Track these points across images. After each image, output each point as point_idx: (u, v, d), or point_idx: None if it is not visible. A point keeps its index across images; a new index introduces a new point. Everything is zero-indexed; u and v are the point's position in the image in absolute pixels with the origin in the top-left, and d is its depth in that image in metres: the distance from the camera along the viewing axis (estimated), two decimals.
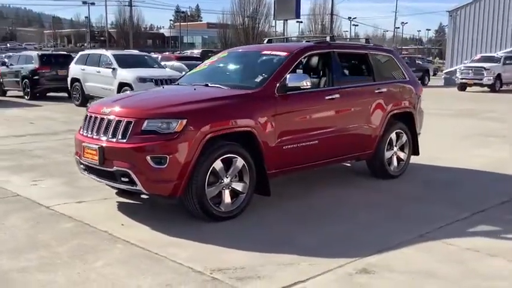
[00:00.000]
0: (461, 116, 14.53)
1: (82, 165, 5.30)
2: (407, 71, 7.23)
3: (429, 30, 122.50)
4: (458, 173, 7.31)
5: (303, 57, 6.01)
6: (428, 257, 4.22)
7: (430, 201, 5.88)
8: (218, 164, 4.88)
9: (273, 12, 42.01)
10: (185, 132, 4.68)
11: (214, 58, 6.85)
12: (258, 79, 5.56)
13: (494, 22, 31.24)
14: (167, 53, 37.59)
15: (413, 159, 7.38)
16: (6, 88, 20.01)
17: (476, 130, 11.58)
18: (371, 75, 6.64)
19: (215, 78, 6.01)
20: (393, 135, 6.78)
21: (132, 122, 4.76)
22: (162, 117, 4.75)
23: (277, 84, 5.43)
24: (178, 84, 6.33)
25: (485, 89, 25.26)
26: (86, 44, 73.56)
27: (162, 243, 4.42)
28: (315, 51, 6.26)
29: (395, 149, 6.85)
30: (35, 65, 18.42)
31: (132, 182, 4.76)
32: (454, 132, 11.29)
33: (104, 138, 4.93)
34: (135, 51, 19.91)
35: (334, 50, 6.23)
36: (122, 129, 4.80)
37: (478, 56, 27.61)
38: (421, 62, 42.46)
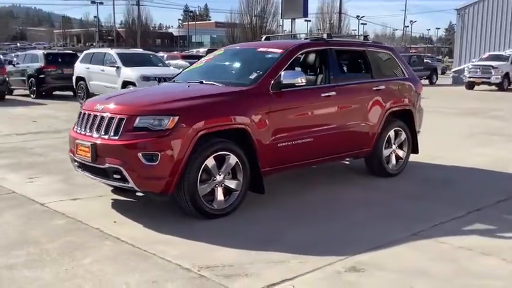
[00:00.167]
0: (467, 115, 14.41)
1: (76, 163, 5.30)
2: (407, 69, 7.17)
3: (439, 29, 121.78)
4: (458, 172, 7.24)
5: (298, 54, 5.96)
6: (420, 255, 4.18)
7: (427, 199, 5.83)
8: (211, 161, 4.86)
9: (280, 11, 41.99)
10: (177, 129, 4.65)
11: (210, 56, 6.83)
12: (253, 76, 5.53)
13: (503, 20, 31.03)
14: (175, 52, 37.67)
15: (414, 157, 7.32)
16: (12, 87, 20.11)
17: (481, 129, 11.48)
18: (369, 72, 6.59)
19: (210, 75, 5.98)
20: (392, 133, 6.72)
21: (124, 118, 4.75)
22: (153, 114, 4.73)
23: (272, 81, 5.40)
24: (174, 81, 6.31)
25: (494, 87, 25.09)
26: (94, 44, 73.82)
27: (153, 241, 4.40)
28: (311, 49, 6.22)
29: (393, 147, 6.79)
30: (40, 63, 18.53)
31: (124, 179, 4.75)
32: (458, 130, 11.19)
33: (96, 135, 4.93)
34: (140, 50, 19.94)
35: (331, 47, 6.19)
36: (114, 126, 4.79)
37: (486, 55, 27.43)
38: (430, 61, 42.26)
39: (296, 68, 6.32)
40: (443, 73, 42.07)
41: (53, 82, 18.47)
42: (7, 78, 18.24)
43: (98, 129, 4.92)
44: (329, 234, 4.68)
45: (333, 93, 5.92)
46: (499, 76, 24.51)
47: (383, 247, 4.31)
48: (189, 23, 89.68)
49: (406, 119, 6.92)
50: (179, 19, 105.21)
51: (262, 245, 4.33)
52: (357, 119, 6.24)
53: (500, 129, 11.55)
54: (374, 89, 6.46)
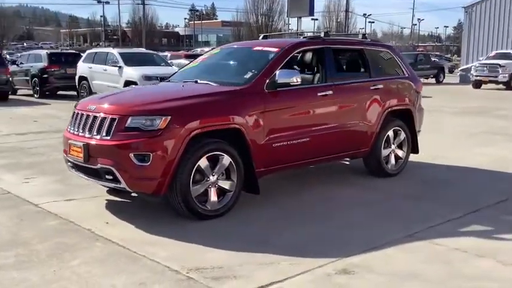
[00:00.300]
0: (471, 114, 14.28)
1: (69, 163, 5.27)
2: (407, 67, 7.08)
3: (447, 27, 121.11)
4: (459, 172, 7.15)
5: (294, 53, 5.91)
6: (413, 257, 4.11)
7: (425, 200, 5.76)
8: (204, 162, 4.81)
9: (286, 10, 41.86)
10: (169, 130, 4.61)
11: (206, 55, 6.78)
12: (247, 75, 5.48)
13: (511, 18, 30.76)
14: (181, 52, 37.69)
15: (414, 157, 7.24)
16: (16, 87, 20.16)
17: (484, 128, 11.37)
18: (367, 71, 6.51)
19: (205, 74, 5.93)
20: (391, 133, 6.64)
21: (116, 119, 4.71)
22: (145, 114, 4.69)
23: (267, 81, 5.34)
24: (169, 81, 6.26)
25: (501, 86, 24.83)
26: (101, 43, 74.00)
27: (143, 242, 4.36)
28: (307, 47, 6.15)
29: (393, 146, 6.71)
30: (43, 63, 18.56)
31: (116, 180, 4.71)
32: (461, 130, 11.09)
33: (88, 135, 4.89)
34: (142, 49, 19.95)
35: (328, 45, 6.12)
36: (106, 126, 4.75)
37: (493, 53, 27.20)
38: (437, 59, 42.00)
39: (295, 67, 6.28)
40: (451, 72, 41.73)
41: (56, 82, 18.49)
42: (10, 78, 18.27)
43: (90, 130, 4.89)
44: (324, 235, 4.63)
45: (330, 92, 5.86)
46: (507, 75, 24.25)
47: (376, 249, 4.25)
48: (195, 22, 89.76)
49: (405, 119, 6.84)
50: (185, 18, 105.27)
51: (254, 246, 4.28)
52: (354, 119, 6.17)
53: (504, 128, 11.43)
54: (372, 88, 6.38)
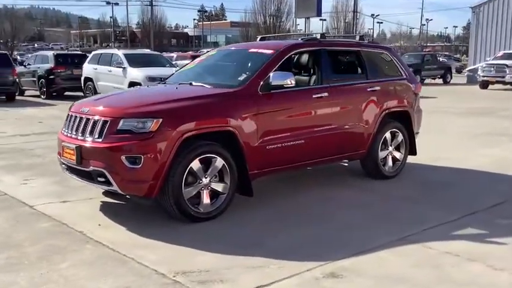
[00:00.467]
0: (476, 115, 14.17)
1: (64, 165, 5.28)
2: (405, 69, 7.04)
3: (456, 27, 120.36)
4: (458, 173, 7.10)
5: (290, 55, 5.88)
6: (404, 260, 4.08)
7: (422, 202, 5.72)
8: (196, 164, 4.80)
9: (294, 11, 41.77)
10: (160, 132, 4.61)
11: (203, 56, 6.78)
12: (242, 77, 5.47)
13: None
14: (190, 52, 37.77)
15: (416, 159, 7.21)
16: (24, 88, 20.31)
17: (488, 129, 11.28)
18: (364, 73, 6.48)
19: (201, 76, 5.93)
20: (388, 135, 6.60)
21: (108, 121, 4.72)
22: (137, 117, 4.69)
23: (261, 83, 5.32)
24: (165, 83, 6.27)
25: (508, 86, 24.62)
26: (110, 44, 74.31)
27: (134, 245, 4.36)
28: (303, 49, 6.14)
29: (390, 148, 6.67)
30: (50, 64, 18.67)
31: (108, 182, 4.72)
32: (464, 130, 11.01)
33: (81, 137, 4.90)
34: (147, 50, 20.00)
35: (324, 47, 6.10)
36: (98, 128, 4.76)
37: (501, 53, 26.93)
38: (445, 60, 41.75)
39: (291, 69, 6.25)
40: (459, 72, 41.45)
41: (63, 83, 18.60)
42: (17, 79, 18.40)
43: (83, 132, 4.90)
44: (316, 237, 4.61)
45: (325, 94, 5.83)
46: None
47: (368, 251, 4.23)
48: (204, 22, 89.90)
49: (403, 120, 6.79)
50: (194, 19, 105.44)
51: (245, 249, 4.27)
52: (350, 121, 6.14)
53: (508, 129, 11.34)
54: (369, 89, 6.35)
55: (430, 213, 5.30)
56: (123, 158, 4.58)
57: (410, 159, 7.12)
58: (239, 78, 5.48)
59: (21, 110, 15.44)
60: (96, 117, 4.82)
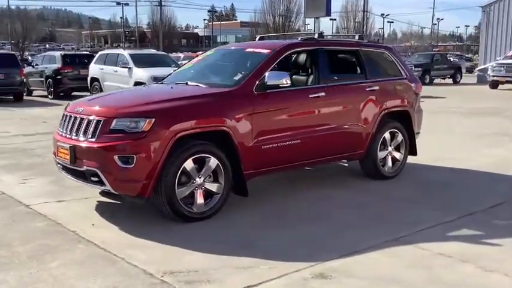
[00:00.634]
0: (483, 115, 14.04)
1: (59, 165, 5.30)
2: (405, 68, 6.99)
3: (468, 26, 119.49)
4: (459, 174, 7.03)
5: (286, 54, 5.85)
6: (396, 261, 4.04)
7: (420, 203, 5.67)
8: (189, 164, 4.79)
9: (303, 10, 41.65)
10: (153, 132, 4.60)
11: (201, 56, 6.77)
12: (237, 77, 5.46)
13: None
14: (197, 53, 37.84)
15: (418, 159, 7.17)
16: (32, 88, 20.45)
17: (493, 129, 11.17)
18: (363, 72, 6.43)
19: (197, 76, 5.94)
20: (387, 135, 6.55)
21: (101, 121, 4.72)
22: (130, 116, 4.69)
23: (257, 82, 5.30)
24: (162, 83, 6.26)
25: None
26: (121, 44, 74.67)
27: (125, 244, 4.36)
28: (300, 49, 6.11)
29: (389, 148, 6.62)
30: (57, 65, 18.81)
31: (101, 182, 4.72)
32: (470, 131, 10.91)
33: (75, 137, 4.91)
34: (152, 50, 20.07)
35: (322, 47, 6.06)
36: (92, 128, 4.77)
37: (511, 53, 26.68)
38: (457, 59, 41.44)
39: (289, 69, 6.22)
40: (470, 72, 41.11)
41: (70, 83, 18.73)
42: (25, 80, 18.53)
43: (77, 132, 4.91)
44: (310, 238, 4.57)
45: (322, 94, 5.80)
46: None
47: (360, 252, 4.20)
48: (214, 23, 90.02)
49: (403, 120, 6.74)
50: (204, 19, 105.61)
51: (236, 249, 4.25)
52: (348, 121, 6.09)
53: (510, 128, 11.22)
54: (367, 89, 6.30)
55: (427, 213, 5.25)
56: (115, 157, 4.57)
57: (412, 159, 7.07)
58: (235, 78, 5.46)
59: (28, 110, 15.54)
60: (90, 117, 4.83)
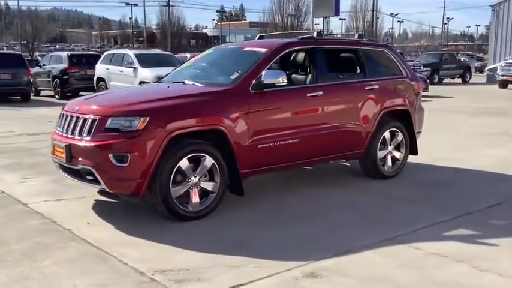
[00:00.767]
0: (490, 114, 13.93)
1: (56, 164, 5.32)
2: (406, 67, 6.94)
3: (479, 25, 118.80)
4: (459, 174, 6.97)
5: (284, 53, 5.82)
6: (388, 261, 4.01)
7: (418, 202, 5.63)
8: (184, 163, 4.79)
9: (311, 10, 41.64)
10: (148, 130, 4.60)
11: (200, 55, 6.77)
12: (234, 76, 5.44)
13: None
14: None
15: (418, 158, 7.11)
16: (39, 88, 20.58)
17: (498, 129, 11.08)
18: (362, 71, 6.40)
19: (194, 75, 5.93)
20: (387, 134, 6.50)
21: (96, 119, 4.74)
22: (124, 115, 4.69)
23: (253, 81, 5.29)
24: (160, 82, 6.27)
25: None
26: (130, 45, 74.98)
27: (118, 243, 4.36)
28: (298, 47, 6.09)
29: (389, 148, 6.57)
30: (64, 65, 18.90)
31: (96, 181, 4.73)
32: (475, 130, 10.83)
33: (71, 136, 4.93)
34: (157, 50, 20.13)
35: (320, 46, 6.03)
36: (87, 127, 4.78)
37: None
38: (467, 59, 41.15)
39: (287, 68, 6.21)
40: (480, 71, 40.83)
41: (76, 83, 18.80)
42: (32, 80, 18.64)
43: (73, 131, 4.92)
44: (304, 237, 4.55)
45: (320, 93, 5.77)
46: None
47: (353, 251, 4.17)
48: (223, 23, 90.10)
49: (403, 119, 6.69)
50: (213, 19, 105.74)
51: (229, 248, 4.24)
52: (346, 120, 6.06)
53: (510, 128, 11.13)
54: (366, 88, 6.27)
55: (424, 213, 5.22)
56: (110, 156, 4.58)
57: (414, 158, 7.03)
58: (231, 77, 5.45)
59: (34, 109, 15.64)
60: (86, 116, 4.84)
